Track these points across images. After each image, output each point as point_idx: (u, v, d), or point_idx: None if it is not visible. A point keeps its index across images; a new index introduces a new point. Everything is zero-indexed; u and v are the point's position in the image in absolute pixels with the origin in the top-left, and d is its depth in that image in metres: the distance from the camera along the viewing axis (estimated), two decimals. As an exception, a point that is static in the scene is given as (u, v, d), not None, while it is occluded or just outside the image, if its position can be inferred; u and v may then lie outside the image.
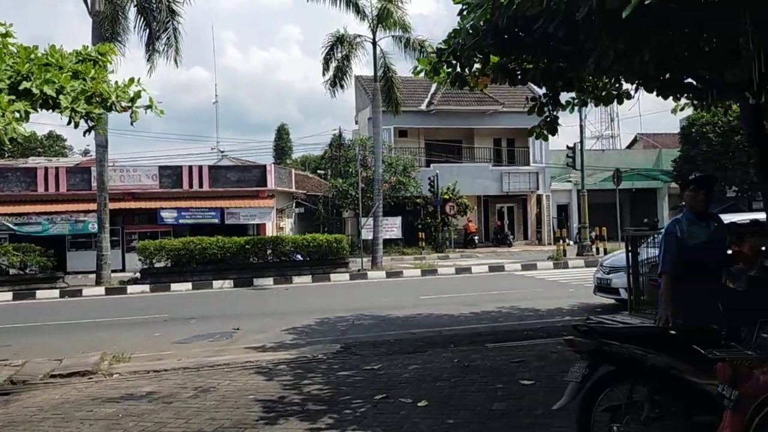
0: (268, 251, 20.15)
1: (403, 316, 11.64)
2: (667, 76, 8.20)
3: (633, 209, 38.77)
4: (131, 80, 6.53)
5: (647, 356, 3.34)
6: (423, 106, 33.60)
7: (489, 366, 6.74)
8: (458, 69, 10.45)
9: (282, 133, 63.90)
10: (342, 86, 21.14)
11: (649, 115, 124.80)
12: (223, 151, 40.73)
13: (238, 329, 10.72)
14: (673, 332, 3.62)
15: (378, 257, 21.60)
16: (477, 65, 10.49)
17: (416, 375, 6.52)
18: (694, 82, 8.18)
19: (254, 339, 9.78)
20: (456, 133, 35.36)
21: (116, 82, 6.48)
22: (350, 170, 30.21)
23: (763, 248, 5.14)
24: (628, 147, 46.28)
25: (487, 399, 5.53)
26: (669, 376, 3.40)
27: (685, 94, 8.38)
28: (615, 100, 10.81)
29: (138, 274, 19.90)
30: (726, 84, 7.57)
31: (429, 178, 30.25)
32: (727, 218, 12.19)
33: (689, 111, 11.49)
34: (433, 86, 34.37)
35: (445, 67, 10.86)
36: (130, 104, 6.45)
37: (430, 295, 14.77)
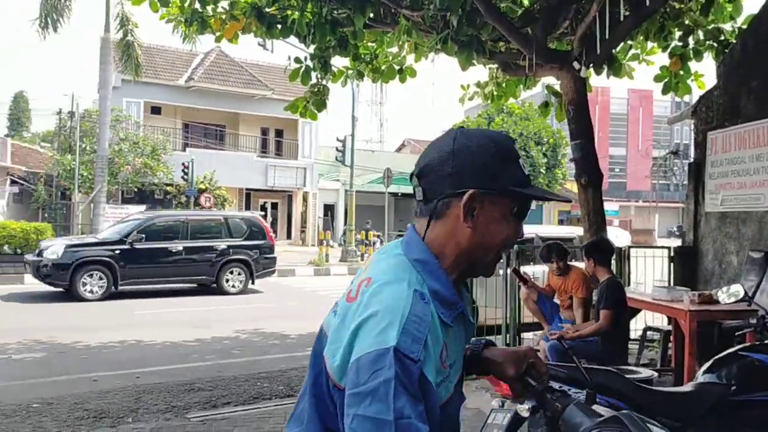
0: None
1: (95, 346, 8.17)
2: (474, 34, 6.04)
3: (397, 214, 38.61)
4: None
5: None
6: (181, 81, 29.35)
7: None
8: (196, 4, 7.59)
9: (20, 102, 54.39)
10: (55, 28, 16.38)
11: (418, 120, 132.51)
12: None
13: None
14: None
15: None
16: (223, 3, 7.78)
17: None
18: (506, 46, 6.10)
19: None
20: (219, 116, 31.62)
21: None
22: (84, 146, 25.05)
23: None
24: (397, 151, 46.49)
25: None
26: None
27: (492, 63, 6.32)
28: (397, 76, 8.66)
29: None
30: (550, 49, 5.55)
31: (183, 164, 26.20)
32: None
33: (478, 100, 9.70)
34: (196, 60, 30.36)
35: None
36: None
37: (149, 309, 11.31)
